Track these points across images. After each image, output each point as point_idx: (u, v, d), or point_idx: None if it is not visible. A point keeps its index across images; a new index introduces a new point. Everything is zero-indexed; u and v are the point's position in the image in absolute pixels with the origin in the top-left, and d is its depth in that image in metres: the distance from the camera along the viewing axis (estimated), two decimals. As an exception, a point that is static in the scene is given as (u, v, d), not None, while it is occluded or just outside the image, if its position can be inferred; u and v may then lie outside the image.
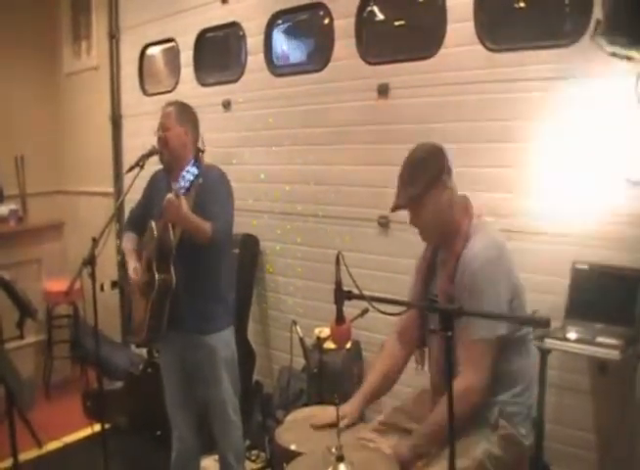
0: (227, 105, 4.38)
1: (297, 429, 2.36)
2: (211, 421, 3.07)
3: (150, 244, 2.93)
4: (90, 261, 2.79)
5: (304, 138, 3.95)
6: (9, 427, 2.51)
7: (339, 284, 2.02)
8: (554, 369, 2.75)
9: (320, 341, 2.99)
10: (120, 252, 3.28)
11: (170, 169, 2.99)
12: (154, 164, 3.07)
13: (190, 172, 2.59)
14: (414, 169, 2.22)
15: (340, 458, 1.90)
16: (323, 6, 3.77)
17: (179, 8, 4.65)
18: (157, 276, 2.82)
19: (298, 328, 3.08)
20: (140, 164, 2.98)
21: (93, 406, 4.35)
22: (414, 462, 2.10)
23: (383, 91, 3.50)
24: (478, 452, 2.07)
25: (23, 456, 3.06)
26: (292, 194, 4.07)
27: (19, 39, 5.59)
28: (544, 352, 2.56)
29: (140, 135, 4.57)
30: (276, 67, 4.16)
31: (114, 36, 5.33)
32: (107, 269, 4.62)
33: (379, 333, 3.53)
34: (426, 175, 2.18)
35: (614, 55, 2.31)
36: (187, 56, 4.66)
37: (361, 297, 1.94)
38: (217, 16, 4.39)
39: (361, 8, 3.59)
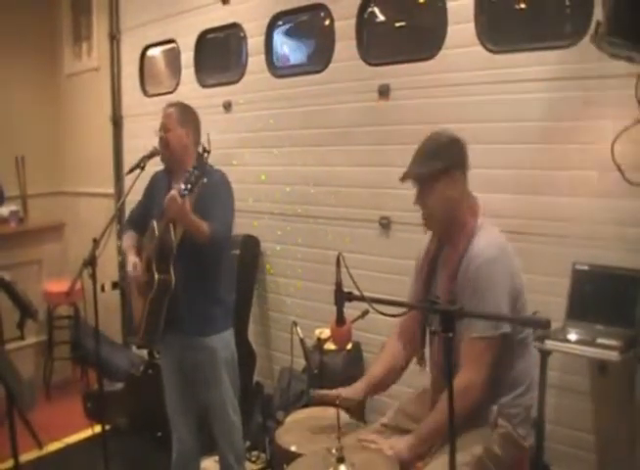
0: (228, 106, 4.38)
1: (298, 430, 2.36)
2: (212, 422, 3.07)
3: (150, 243, 2.93)
4: (91, 262, 2.80)
5: (305, 139, 3.95)
6: (9, 428, 2.51)
7: (339, 285, 2.02)
8: (554, 370, 2.75)
9: (321, 342, 2.98)
10: (121, 252, 3.27)
11: (171, 170, 3.00)
12: (155, 165, 3.08)
13: (194, 172, 2.59)
14: (438, 147, 2.22)
15: (340, 460, 1.90)
16: (324, 7, 3.77)
17: (180, 9, 4.65)
18: (156, 276, 2.82)
19: (299, 329, 3.07)
20: (141, 165, 2.99)
21: (94, 407, 4.35)
22: (414, 462, 2.10)
23: (383, 92, 3.50)
24: (477, 449, 2.07)
25: (24, 457, 3.05)
26: (292, 195, 4.07)
27: (19, 40, 5.60)
28: (544, 354, 2.56)
29: (141, 136, 4.57)
30: (277, 68, 4.16)
31: (114, 37, 5.33)
32: (107, 270, 4.62)
33: (379, 334, 3.53)
34: (446, 158, 2.18)
35: (614, 56, 2.32)
36: (188, 57, 4.66)
37: (362, 298, 1.94)
38: (218, 17, 4.39)
39: (362, 9, 3.59)
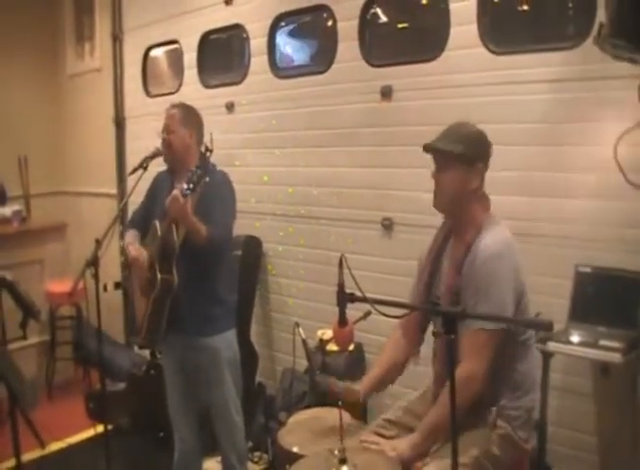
0: (230, 107, 4.38)
1: (300, 431, 2.36)
2: (214, 422, 3.07)
3: (153, 244, 2.93)
4: (93, 262, 2.81)
5: (307, 140, 3.95)
6: (12, 427, 2.51)
7: (341, 286, 2.02)
8: (557, 372, 2.75)
9: (323, 343, 2.99)
10: (123, 252, 3.27)
11: (174, 171, 3.00)
12: (158, 166, 3.08)
13: (196, 171, 2.59)
14: (469, 134, 2.24)
15: (342, 461, 1.90)
16: (326, 8, 3.77)
17: (183, 9, 4.65)
18: (159, 276, 2.82)
19: (301, 330, 3.07)
20: (143, 165, 3.00)
21: (96, 407, 4.35)
22: (415, 461, 2.10)
23: (386, 93, 3.50)
24: (475, 450, 2.07)
25: (26, 457, 3.06)
26: (295, 196, 4.07)
27: (22, 40, 5.61)
28: (547, 355, 2.56)
29: (143, 137, 4.57)
30: (279, 69, 4.16)
31: (117, 38, 5.34)
32: (110, 270, 4.62)
33: (381, 335, 3.52)
34: (474, 148, 2.20)
35: (617, 58, 2.32)
36: (190, 57, 4.67)
37: (364, 299, 1.94)
38: (221, 17, 4.40)
39: (365, 10, 3.60)
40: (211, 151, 2.66)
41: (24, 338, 3.53)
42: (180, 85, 4.81)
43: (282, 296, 4.24)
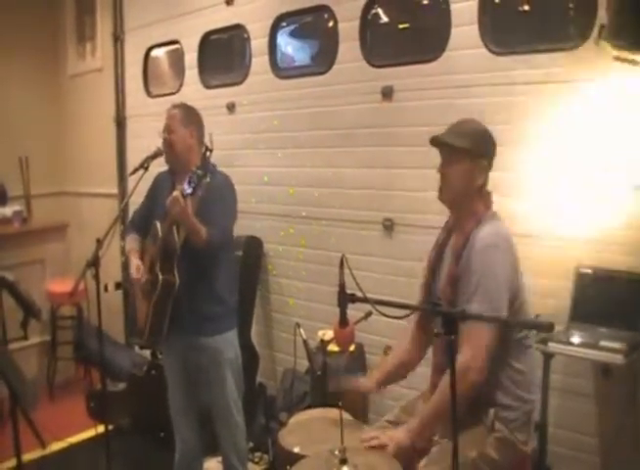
0: (231, 107, 4.38)
1: (301, 431, 2.36)
2: (215, 422, 3.07)
3: (154, 244, 2.93)
4: (94, 263, 2.81)
5: (308, 140, 3.95)
6: (12, 427, 2.51)
7: (342, 287, 2.02)
8: (557, 373, 2.75)
9: (324, 343, 2.98)
10: (124, 254, 3.28)
11: (175, 171, 3.00)
12: (158, 166, 3.08)
13: (197, 172, 2.59)
14: (477, 131, 2.28)
15: (343, 461, 1.90)
16: (327, 8, 3.77)
17: (183, 10, 4.66)
18: (160, 277, 2.83)
19: (302, 330, 3.08)
20: (144, 165, 3.00)
21: (96, 407, 4.36)
22: (414, 449, 2.11)
23: (387, 94, 3.50)
24: (471, 452, 2.06)
25: (27, 457, 3.05)
26: (296, 196, 4.07)
27: (23, 40, 5.61)
28: (547, 356, 2.56)
29: (144, 137, 4.57)
30: (280, 69, 4.16)
31: (118, 38, 5.34)
32: (111, 270, 4.62)
33: (382, 336, 3.54)
34: (482, 144, 2.23)
35: (618, 59, 2.32)
36: (191, 58, 4.67)
37: (365, 300, 1.94)
38: (222, 18, 4.40)
39: (365, 10, 3.60)
40: (211, 151, 2.67)
41: (25, 338, 3.52)
42: (181, 85, 4.81)
43: (283, 296, 4.24)
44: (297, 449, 2.19)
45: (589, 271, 2.71)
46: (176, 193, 2.63)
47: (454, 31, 3.20)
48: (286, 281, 4.21)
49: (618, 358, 2.42)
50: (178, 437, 3.13)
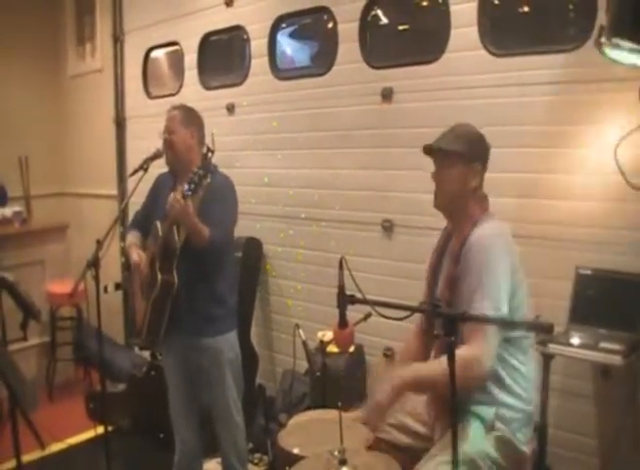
0: (231, 108, 4.39)
1: (300, 432, 2.36)
2: (215, 423, 3.07)
3: (154, 244, 2.93)
4: (94, 264, 2.81)
5: (308, 142, 3.95)
6: (12, 428, 2.51)
7: (341, 288, 2.02)
8: (557, 374, 2.75)
9: (323, 344, 2.99)
10: (124, 253, 3.28)
11: (176, 172, 3.00)
12: (158, 167, 3.08)
13: (197, 172, 2.59)
14: (469, 135, 2.29)
15: (342, 462, 1.90)
16: (327, 10, 3.77)
17: (183, 11, 4.66)
18: (159, 276, 2.83)
19: (301, 332, 3.08)
20: (144, 167, 3.01)
21: (96, 408, 4.35)
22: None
23: (387, 95, 3.51)
24: (471, 450, 2.06)
25: (27, 458, 3.06)
26: (295, 197, 4.07)
27: (23, 41, 5.62)
28: (547, 357, 2.56)
29: (144, 138, 4.58)
30: (280, 70, 4.16)
31: (118, 39, 5.35)
32: (110, 271, 4.63)
33: (382, 337, 3.54)
34: (467, 147, 2.23)
35: (617, 61, 2.32)
36: (191, 59, 4.67)
37: (364, 301, 1.94)
38: (221, 19, 4.40)
39: (365, 12, 3.60)
40: (213, 151, 2.66)
41: (25, 339, 3.53)
42: (181, 87, 4.81)
43: (282, 297, 4.24)
44: (296, 450, 2.18)
45: (589, 272, 2.72)
46: (176, 195, 2.63)
47: (454, 33, 3.20)
48: (285, 282, 4.21)
49: (618, 360, 2.42)
50: (178, 438, 3.13)
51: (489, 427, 2.12)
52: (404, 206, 3.45)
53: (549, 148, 2.90)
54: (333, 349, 2.92)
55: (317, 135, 3.90)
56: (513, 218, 2.90)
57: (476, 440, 2.09)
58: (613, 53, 2.22)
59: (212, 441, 3.13)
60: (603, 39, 2.16)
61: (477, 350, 2.04)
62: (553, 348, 2.55)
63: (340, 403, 2.11)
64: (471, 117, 3.09)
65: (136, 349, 4.94)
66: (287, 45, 4.26)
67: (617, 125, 2.65)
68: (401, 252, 3.49)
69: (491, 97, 3.06)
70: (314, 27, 4.19)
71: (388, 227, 3.58)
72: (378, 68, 3.59)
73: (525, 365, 2.21)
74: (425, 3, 3.65)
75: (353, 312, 2.12)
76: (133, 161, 4.47)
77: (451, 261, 2.24)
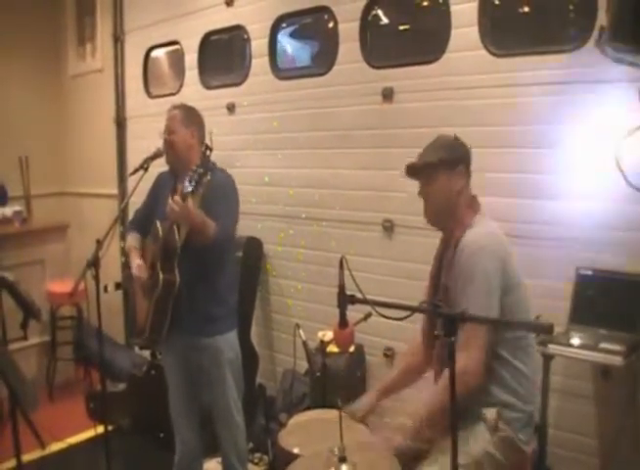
0: (231, 108, 4.39)
1: (300, 432, 2.36)
2: (215, 423, 3.07)
3: (155, 244, 2.93)
4: (94, 263, 2.81)
5: (308, 142, 3.95)
6: (12, 428, 2.51)
7: (342, 288, 2.02)
8: (557, 374, 2.75)
9: (323, 344, 2.99)
10: (124, 253, 3.28)
11: (176, 171, 3.00)
12: (158, 166, 3.08)
13: (197, 170, 2.59)
14: (440, 144, 2.31)
15: (342, 459, 1.90)
16: (327, 9, 3.77)
17: (184, 10, 4.66)
18: (161, 276, 2.83)
19: (302, 331, 3.08)
20: (144, 166, 3.01)
21: (96, 408, 4.36)
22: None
23: (387, 95, 3.51)
24: (476, 451, 2.07)
25: (27, 457, 3.07)
26: (296, 197, 4.07)
27: (24, 41, 5.62)
28: (547, 358, 2.56)
29: (144, 137, 4.58)
30: (280, 70, 4.16)
31: (118, 38, 5.35)
32: (110, 271, 4.62)
33: (382, 337, 3.55)
34: (447, 153, 2.26)
35: (618, 61, 2.32)
36: (191, 58, 4.67)
37: (364, 301, 1.94)
38: (222, 19, 4.40)
39: (366, 12, 3.60)
40: (211, 149, 2.66)
41: (25, 338, 3.53)
42: (181, 86, 4.81)
43: (282, 297, 4.24)
44: (296, 450, 2.19)
45: (589, 273, 2.72)
46: (176, 198, 2.61)
47: (454, 33, 3.20)
48: (285, 282, 4.21)
49: (618, 360, 2.43)
50: (178, 438, 3.12)
51: (493, 428, 2.13)
52: (405, 206, 3.45)
53: (549, 148, 2.90)
54: (333, 348, 2.92)
55: (318, 135, 3.90)
56: (513, 219, 2.92)
57: (481, 441, 2.10)
58: (613, 53, 2.22)
59: (213, 440, 3.13)
60: (603, 39, 2.16)
61: (468, 360, 2.06)
62: (553, 348, 2.55)
63: (340, 403, 2.11)
64: (471, 118, 3.12)
65: (136, 348, 4.94)
66: (287, 45, 4.26)
67: (617, 125, 2.65)
68: (402, 252, 3.49)
69: (492, 97, 3.07)
70: (315, 27, 4.19)
71: (388, 227, 3.58)
72: (378, 67, 3.59)
73: (526, 365, 2.21)
74: (425, 3, 3.65)
75: (353, 312, 2.12)
76: (133, 160, 4.47)
77: (446, 269, 2.26)
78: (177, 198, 2.61)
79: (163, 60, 5.21)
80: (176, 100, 4.00)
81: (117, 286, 4.99)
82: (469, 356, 2.05)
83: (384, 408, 2.43)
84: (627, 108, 2.60)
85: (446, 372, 1.78)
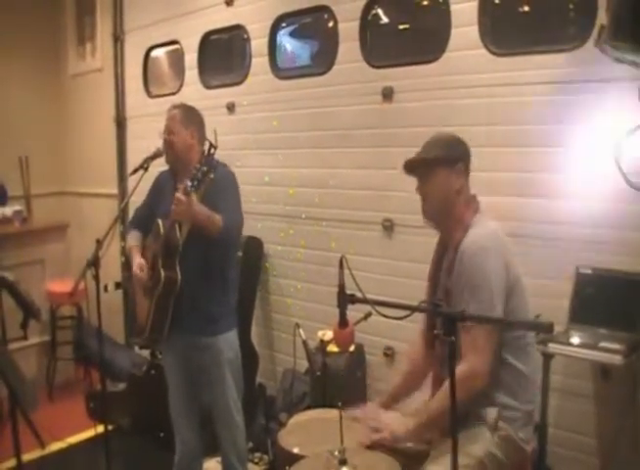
0: (231, 107, 4.39)
1: (300, 432, 2.36)
2: (215, 422, 3.06)
3: (156, 242, 2.93)
4: (94, 263, 2.81)
5: (308, 141, 3.95)
6: (12, 427, 2.51)
7: (342, 287, 2.02)
8: (557, 374, 2.75)
9: (323, 344, 2.99)
10: (125, 252, 3.28)
11: (176, 171, 3.00)
12: (159, 166, 3.08)
13: (201, 168, 2.58)
14: (439, 141, 2.30)
15: (342, 462, 1.90)
16: (327, 9, 3.77)
17: (184, 10, 4.66)
18: (162, 274, 2.82)
19: (302, 331, 3.08)
20: (144, 166, 3.01)
21: (96, 407, 4.36)
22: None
23: (387, 94, 3.51)
24: (478, 451, 2.07)
25: (27, 457, 3.05)
26: (296, 197, 4.07)
27: (24, 41, 5.62)
28: (547, 357, 2.56)
29: (144, 137, 4.58)
30: (280, 69, 4.16)
31: (118, 38, 5.35)
32: (110, 271, 4.63)
33: (382, 336, 3.55)
34: (446, 151, 2.25)
35: (618, 60, 2.32)
36: (191, 58, 4.67)
37: (364, 300, 1.94)
38: (222, 18, 4.40)
39: (365, 11, 3.60)
40: (216, 147, 2.64)
41: (25, 338, 3.52)
42: (181, 86, 4.81)
43: (282, 296, 4.24)
44: (296, 450, 2.19)
45: (589, 272, 2.72)
46: (178, 195, 2.61)
47: (454, 32, 3.20)
48: (286, 281, 4.21)
49: (617, 359, 2.43)
50: (178, 438, 3.12)
51: (493, 427, 2.13)
52: (404, 205, 3.44)
53: (549, 147, 2.90)
54: (333, 348, 2.92)
55: (317, 134, 3.90)
56: (513, 218, 2.92)
57: (482, 441, 2.10)
58: (613, 52, 2.22)
59: (212, 440, 3.13)
60: (603, 38, 2.16)
61: (476, 362, 2.06)
62: (553, 347, 2.55)
63: (340, 403, 2.11)
64: (471, 117, 3.12)
65: (136, 348, 4.94)
66: (287, 44, 4.26)
67: (617, 125, 2.64)
68: (401, 251, 3.49)
69: (492, 96, 3.07)
70: (314, 27, 4.19)
71: (388, 227, 3.58)
72: (378, 67, 3.58)
73: (526, 365, 2.20)
74: (425, 2, 3.65)
75: (353, 312, 2.12)
76: (133, 160, 4.47)
77: (446, 271, 2.25)
78: (180, 194, 2.60)
79: (163, 59, 5.21)
80: (176, 99, 4.00)
81: (117, 286, 5.00)
82: (476, 360, 2.06)
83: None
84: (627, 107, 2.59)
85: (446, 383, 1.77)
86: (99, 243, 2.83)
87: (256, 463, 3.72)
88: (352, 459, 1.93)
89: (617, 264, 2.67)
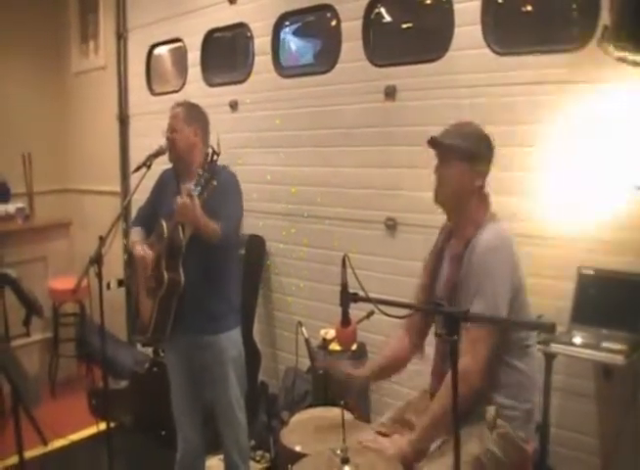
0: (234, 105, 4.39)
1: (302, 430, 2.37)
2: (217, 420, 3.07)
3: (159, 243, 2.93)
4: (97, 260, 2.81)
5: (311, 140, 3.95)
6: (14, 424, 2.52)
7: (344, 286, 2.02)
8: (559, 374, 2.75)
9: (326, 342, 2.99)
10: (127, 250, 3.29)
11: (179, 169, 3.00)
12: (162, 164, 3.09)
13: (204, 175, 2.58)
14: (476, 134, 2.26)
15: (344, 460, 1.91)
16: (330, 8, 3.77)
17: (187, 8, 4.66)
18: (165, 275, 2.83)
19: (304, 329, 3.08)
20: (147, 163, 3.00)
21: (98, 405, 4.37)
22: (416, 458, 2.12)
23: (390, 93, 3.50)
24: (474, 448, 2.07)
25: (29, 454, 3.07)
26: (298, 195, 4.07)
27: (27, 39, 5.64)
28: (549, 357, 2.56)
29: (147, 135, 4.59)
30: (283, 68, 4.16)
31: (121, 36, 5.36)
32: (113, 268, 4.63)
33: (384, 335, 3.53)
34: (479, 148, 2.22)
35: (621, 60, 2.31)
36: (194, 56, 4.68)
37: (367, 299, 1.94)
38: (225, 16, 4.40)
39: (369, 10, 3.59)
40: (218, 154, 2.64)
41: (28, 335, 3.54)
42: (184, 84, 4.81)
43: (285, 295, 4.24)
44: (298, 448, 2.20)
45: (591, 272, 2.71)
46: (184, 199, 2.61)
47: (457, 31, 3.19)
48: (288, 280, 4.22)
49: (619, 359, 2.43)
50: (181, 436, 3.13)
51: (491, 425, 2.13)
52: (407, 204, 3.45)
53: (551, 147, 2.90)
54: (335, 346, 2.92)
55: (320, 133, 3.90)
56: (514, 217, 2.91)
57: (480, 438, 2.10)
58: (616, 52, 2.22)
59: (215, 438, 3.14)
60: (606, 38, 2.16)
61: (472, 360, 2.06)
62: (555, 347, 2.55)
63: (342, 402, 2.11)
64: (474, 116, 3.10)
65: (139, 345, 4.95)
66: (290, 43, 4.26)
67: (619, 124, 2.64)
68: (404, 250, 3.48)
69: (494, 96, 3.06)
70: (318, 25, 4.18)
71: (391, 225, 3.57)
72: (381, 66, 3.58)
73: (526, 365, 2.21)
74: (428, 1, 3.65)
75: (356, 310, 2.13)
76: (136, 157, 4.47)
77: (453, 264, 2.24)
78: (185, 197, 2.60)
79: (166, 57, 5.22)
80: (179, 97, 3.99)
81: (120, 283, 5.01)
82: (469, 360, 2.05)
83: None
84: (629, 107, 2.59)
85: (448, 377, 1.77)
86: (102, 240, 2.84)
87: (258, 461, 3.73)
88: (355, 458, 1.93)
89: (619, 265, 2.67)
